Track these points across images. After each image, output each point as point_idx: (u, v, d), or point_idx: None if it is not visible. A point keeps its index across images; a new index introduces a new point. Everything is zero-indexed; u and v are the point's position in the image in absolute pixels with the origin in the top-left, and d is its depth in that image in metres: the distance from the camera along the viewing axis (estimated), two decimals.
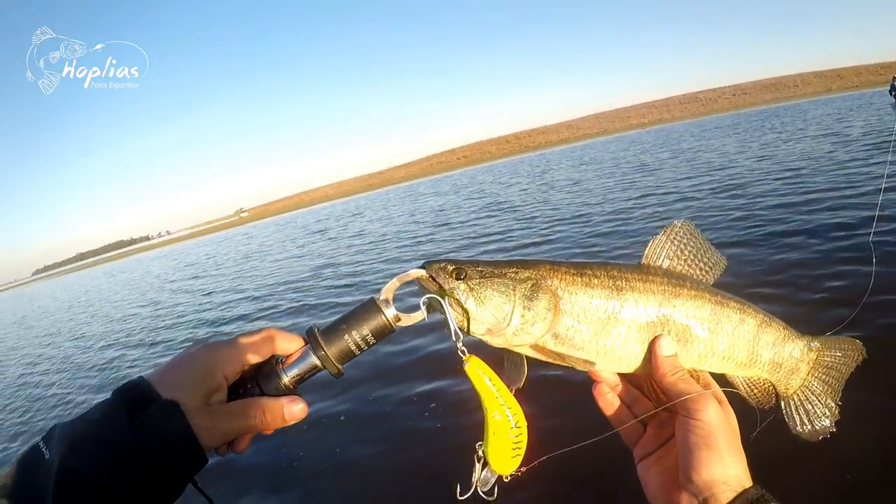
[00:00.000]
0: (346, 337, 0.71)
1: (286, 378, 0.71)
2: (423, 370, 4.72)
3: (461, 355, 0.72)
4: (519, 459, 0.71)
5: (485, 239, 11.44)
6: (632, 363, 0.82)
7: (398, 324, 0.74)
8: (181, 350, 0.73)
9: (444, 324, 0.73)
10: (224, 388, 0.69)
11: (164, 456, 0.60)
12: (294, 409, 0.70)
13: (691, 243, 0.86)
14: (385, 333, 0.73)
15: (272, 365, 0.72)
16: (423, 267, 0.79)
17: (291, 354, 0.73)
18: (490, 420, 0.70)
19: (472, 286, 0.76)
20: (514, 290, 0.77)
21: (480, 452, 0.71)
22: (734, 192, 10.38)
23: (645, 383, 0.84)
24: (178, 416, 0.62)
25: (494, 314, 0.76)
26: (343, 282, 10.25)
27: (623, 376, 0.86)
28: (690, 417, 0.74)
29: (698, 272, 0.87)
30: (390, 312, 0.73)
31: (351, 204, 51.71)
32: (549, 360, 0.78)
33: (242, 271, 17.16)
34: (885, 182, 6.15)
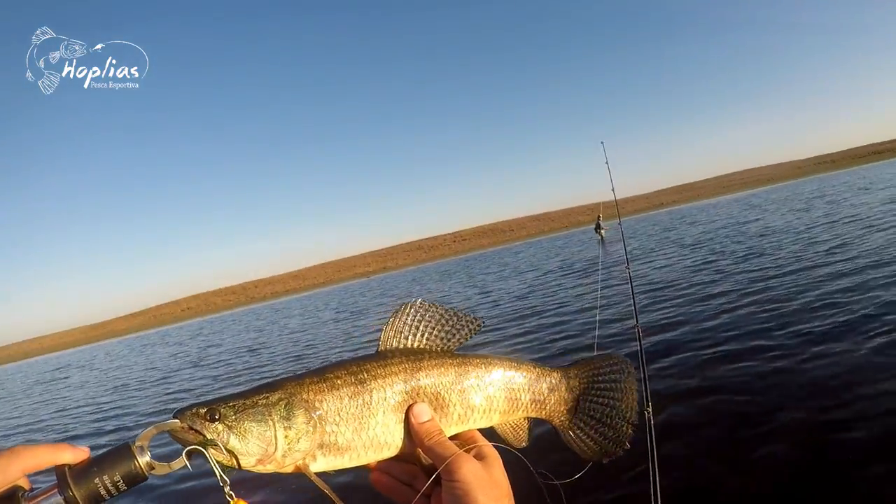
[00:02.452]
0: (97, 480, 0.67)
1: None
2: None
3: (229, 500, 0.73)
4: None
5: None
6: (399, 444, 0.83)
7: (152, 472, 0.70)
8: None
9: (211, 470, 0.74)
10: None
11: None
12: None
13: (426, 317, 0.88)
14: (137, 481, 0.69)
15: (16, 499, 0.65)
16: (175, 417, 0.75)
17: (38, 494, 0.66)
18: None
19: (229, 424, 0.75)
20: (271, 415, 0.77)
21: None
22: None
23: (416, 459, 0.85)
24: None
25: (259, 444, 0.76)
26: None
27: (399, 459, 0.85)
28: (449, 480, 0.74)
29: (440, 341, 0.89)
30: (143, 460, 0.69)
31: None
32: (316, 483, 0.78)
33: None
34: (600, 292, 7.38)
